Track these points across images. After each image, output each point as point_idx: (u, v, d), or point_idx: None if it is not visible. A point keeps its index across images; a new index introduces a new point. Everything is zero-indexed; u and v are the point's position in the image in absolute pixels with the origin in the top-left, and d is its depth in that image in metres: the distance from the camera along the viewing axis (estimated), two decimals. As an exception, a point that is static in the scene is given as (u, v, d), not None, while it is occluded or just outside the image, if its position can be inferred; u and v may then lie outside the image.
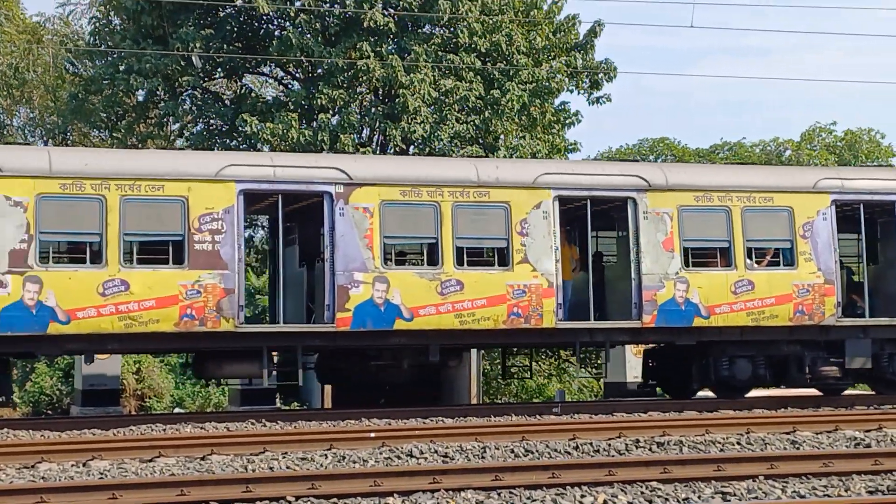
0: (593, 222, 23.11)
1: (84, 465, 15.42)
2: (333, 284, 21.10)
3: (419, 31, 32.74)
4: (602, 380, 31.58)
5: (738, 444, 17.07)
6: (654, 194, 22.82)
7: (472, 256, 21.99)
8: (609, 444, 16.68)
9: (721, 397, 23.92)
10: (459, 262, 21.67)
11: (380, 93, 32.58)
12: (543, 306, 21.94)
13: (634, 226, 22.67)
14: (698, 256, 23.11)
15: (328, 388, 27.45)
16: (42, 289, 19.49)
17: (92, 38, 34.67)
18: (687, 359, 24.03)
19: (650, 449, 16.56)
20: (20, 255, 19.44)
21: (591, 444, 16.74)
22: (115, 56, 32.70)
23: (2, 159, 19.84)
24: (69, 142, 37.01)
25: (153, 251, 20.54)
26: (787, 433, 18.18)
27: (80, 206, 19.94)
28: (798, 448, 16.88)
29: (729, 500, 12.70)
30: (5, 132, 39.81)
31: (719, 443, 17.05)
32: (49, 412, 30.01)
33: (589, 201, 22.80)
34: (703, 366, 23.67)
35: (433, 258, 21.78)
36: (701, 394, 25.41)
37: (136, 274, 20.08)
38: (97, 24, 34.48)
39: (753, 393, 24.88)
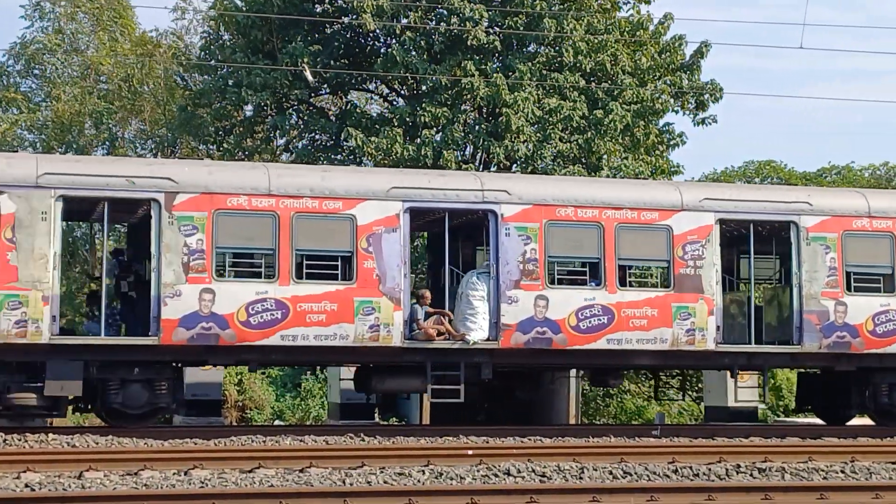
0: None
1: (185, 473, 15.61)
2: None
3: (524, 49, 32.76)
4: (702, 404, 31.26)
5: (843, 472, 16.75)
6: None
7: None
8: (709, 469, 16.48)
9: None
10: None
11: (483, 111, 32.65)
12: None
13: None
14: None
15: (427, 403, 27.53)
16: None
17: (202, 53, 35.27)
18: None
19: (751, 475, 16.33)
20: None
21: (690, 467, 16.54)
22: (224, 70, 33.22)
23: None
24: (177, 154, 37.64)
25: None
26: (893, 462, 17.77)
27: None
28: (904, 478, 16.52)
29: (832, 530, 12.50)
30: (117, 144, 40.62)
31: (823, 470, 16.75)
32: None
33: None
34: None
35: None
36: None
37: None
38: (208, 39, 35.07)
39: (857, 421, 24.50)
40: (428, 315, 21.38)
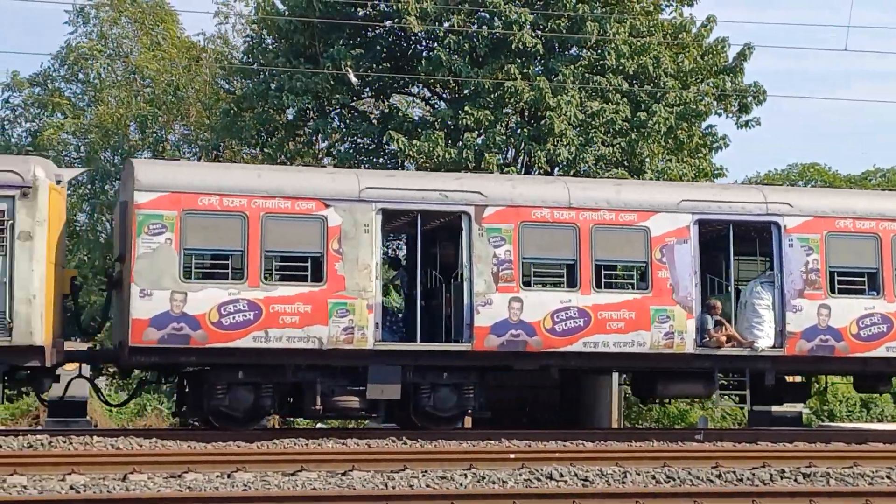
0: None
1: (228, 476, 15.69)
2: None
3: (566, 52, 32.68)
4: (745, 408, 31.04)
5: (888, 477, 16.60)
6: None
7: None
8: (753, 474, 16.38)
9: None
10: None
11: (526, 114, 32.60)
12: None
13: None
14: None
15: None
16: None
17: (245, 57, 35.43)
18: None
19: (796, 480, 16.22)
20: None
21: (734, 472, 16.45)
22: (267, 74, 33.33)
23: None
24: (221, 158, 37.79)
25: None
26: (940, 468, 17.61)
27: None
28: (951, 484, 16.34)
29: (878, 536, 12.38)
30: (161, 147, 40.85)
31: (868, 476, 16.60)
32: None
33: None
34: None
35: None
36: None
37: None
38: (251, 43, 35.23)
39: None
40: (717, 324, 22.02)
